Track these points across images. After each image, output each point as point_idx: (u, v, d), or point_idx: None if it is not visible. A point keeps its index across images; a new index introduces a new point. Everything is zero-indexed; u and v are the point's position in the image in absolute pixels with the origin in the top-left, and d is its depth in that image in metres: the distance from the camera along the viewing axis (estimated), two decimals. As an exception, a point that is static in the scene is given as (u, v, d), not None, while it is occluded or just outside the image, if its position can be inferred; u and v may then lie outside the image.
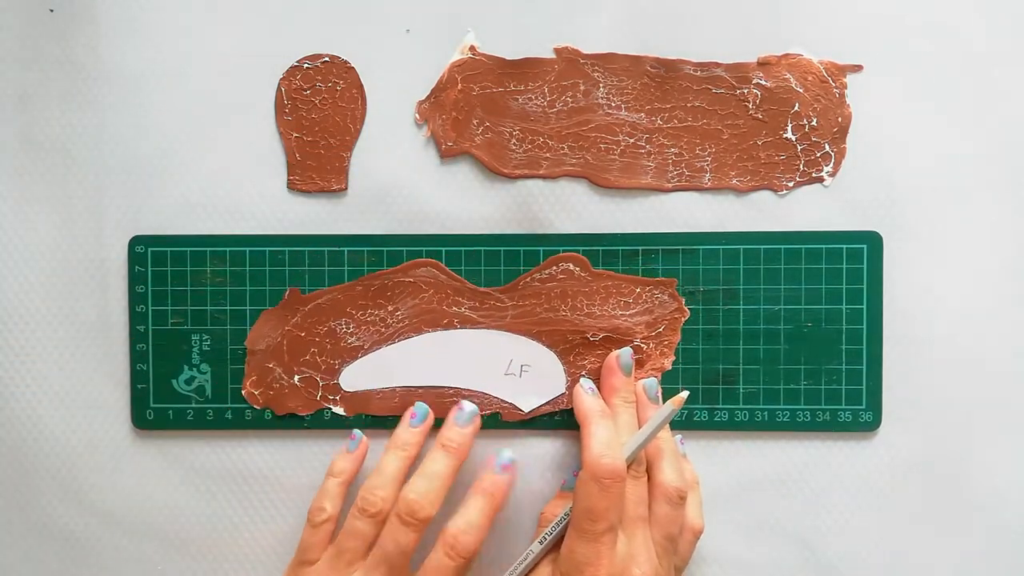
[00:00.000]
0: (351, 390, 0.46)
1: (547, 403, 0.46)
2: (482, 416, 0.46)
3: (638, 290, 0.45)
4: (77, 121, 0.46)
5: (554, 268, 0.46)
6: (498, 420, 0.46)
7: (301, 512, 0.46)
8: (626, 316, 0.45)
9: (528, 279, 0.46)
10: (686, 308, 0.45)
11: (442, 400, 0.46)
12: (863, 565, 0.46)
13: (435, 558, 0.40)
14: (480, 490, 0.42)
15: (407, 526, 0.40)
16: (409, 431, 0.44)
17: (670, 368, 0.46)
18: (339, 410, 0.46)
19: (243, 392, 0.46)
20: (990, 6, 0.45)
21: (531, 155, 0.46)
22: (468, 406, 0.45)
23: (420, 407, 0.45)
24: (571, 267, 0.45)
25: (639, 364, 0.45)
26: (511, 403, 0.46)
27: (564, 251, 0.45)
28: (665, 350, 0.46)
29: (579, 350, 0.45)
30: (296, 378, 0.46)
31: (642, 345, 0.45)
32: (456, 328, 0.46)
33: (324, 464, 0.46)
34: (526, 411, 0.46)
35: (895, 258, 0.46)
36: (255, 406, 0.46)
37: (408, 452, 0.43)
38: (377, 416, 0.46)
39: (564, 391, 0.46)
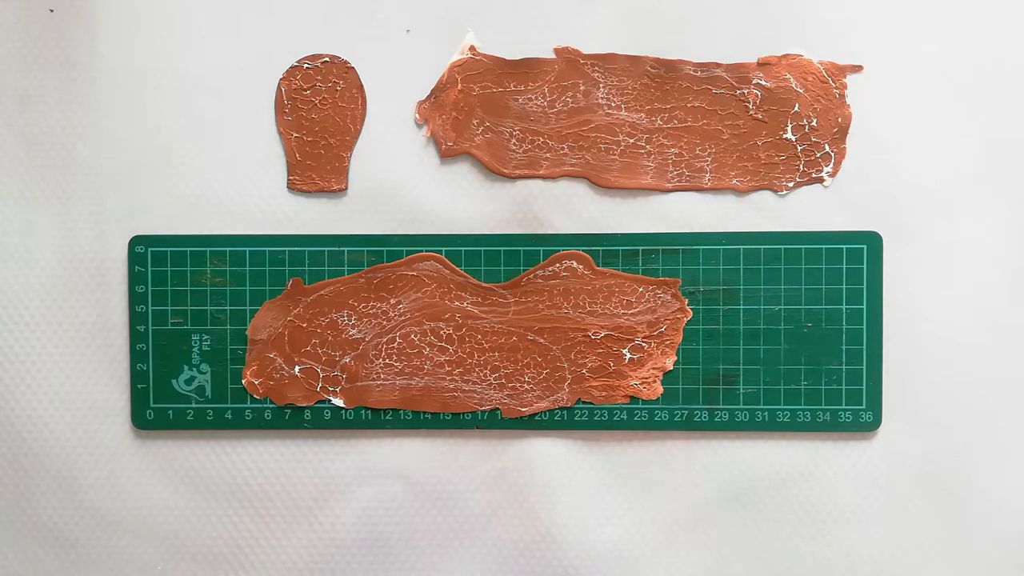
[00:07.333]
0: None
1: (547, 402, 0.46)
2: (481, 414, 0.46)
3: (641, 289, 0.45)
4: (77, 121, 0.46)
5: (557, 265, 0.46)
6: (498, 419, 0.46)
7: (301, 512, 0.46)
8: (628, 315, 0.45)
9: (531, 276, 0.45)
10: (689, 308, 0.45)
11: (443, 396, 0.46)
12: (863, 565, 0.46)
13: None
14: None
15: None
16: None
17: (671, 368, 0.46)
18: (339, 402, 0.46)
19: (243, 381, 0.46)
20: (990, 6, 0.45)
21: (531, 155, 0.46)
22: None
23: None
24: (574, 264, 0.45)
25: (640, 363, 0.46)
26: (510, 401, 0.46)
27: (565, 251, 0.46)
28: (667, 350, 0.46)
29: (580, 348, 0.45)
30: (297, 369, 0.46)
31: (643, 344, 0.45)
32: (457, 322, 0.46)
33: (324, 464, 0.46)
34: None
35: (895, 258, 0.46)
36: (255, 395, 0.46)
37: None
38: (376, 409, 0.46)
39: (565, 390, 0.46)
